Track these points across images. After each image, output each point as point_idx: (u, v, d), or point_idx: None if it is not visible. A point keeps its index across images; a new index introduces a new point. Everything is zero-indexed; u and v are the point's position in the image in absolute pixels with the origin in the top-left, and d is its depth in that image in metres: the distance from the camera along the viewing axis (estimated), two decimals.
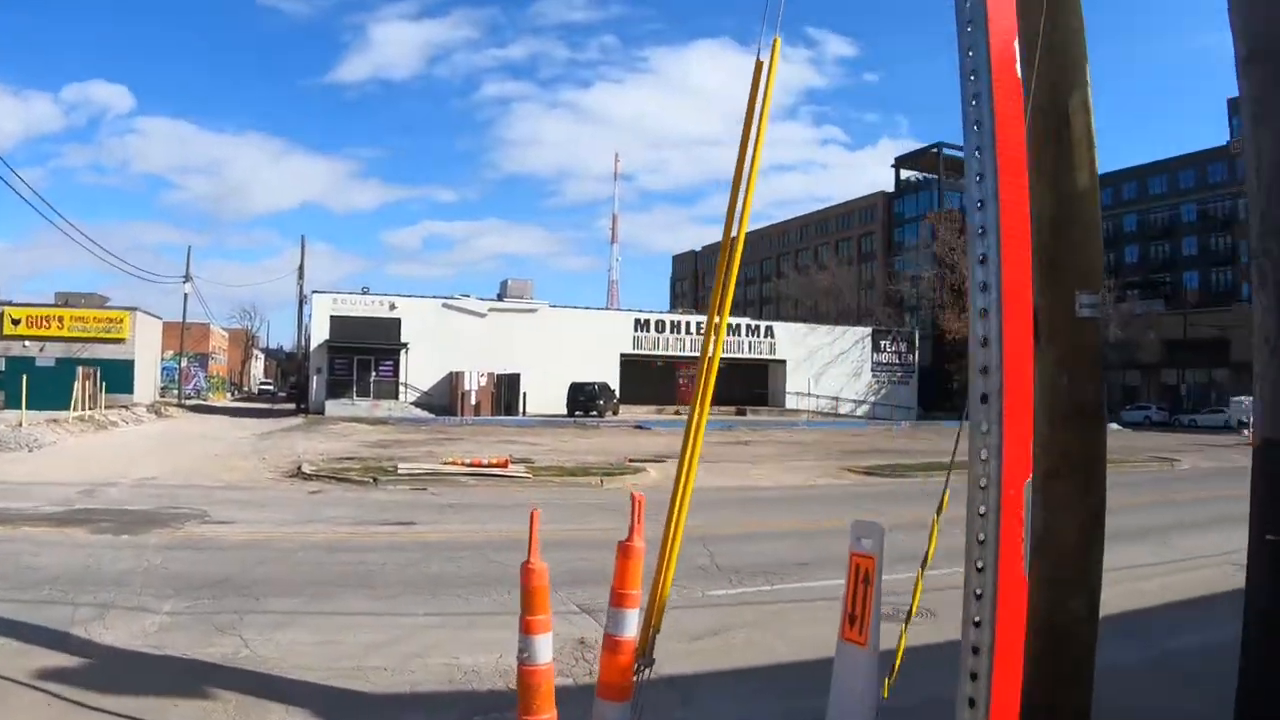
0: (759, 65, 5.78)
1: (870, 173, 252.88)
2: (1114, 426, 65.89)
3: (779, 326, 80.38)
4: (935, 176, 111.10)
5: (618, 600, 5.53)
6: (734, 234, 5.65)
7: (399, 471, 21.24)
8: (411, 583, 10.48)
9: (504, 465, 22.34)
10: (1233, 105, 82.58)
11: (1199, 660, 8.07)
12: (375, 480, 20.23)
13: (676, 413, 66.99)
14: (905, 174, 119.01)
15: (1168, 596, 10.52)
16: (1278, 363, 4.10)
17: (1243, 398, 76.39)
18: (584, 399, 60.81)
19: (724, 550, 12.53)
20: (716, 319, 5.79)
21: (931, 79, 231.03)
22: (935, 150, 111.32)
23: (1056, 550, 5.64)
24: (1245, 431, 60.53)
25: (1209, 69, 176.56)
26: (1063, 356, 5.67)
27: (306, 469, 22.23)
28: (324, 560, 11.57)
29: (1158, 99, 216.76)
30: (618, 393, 67.44)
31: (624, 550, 5.56)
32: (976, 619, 3.87)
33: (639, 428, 47.98)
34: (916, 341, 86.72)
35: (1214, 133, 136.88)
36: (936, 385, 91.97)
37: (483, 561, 11.57)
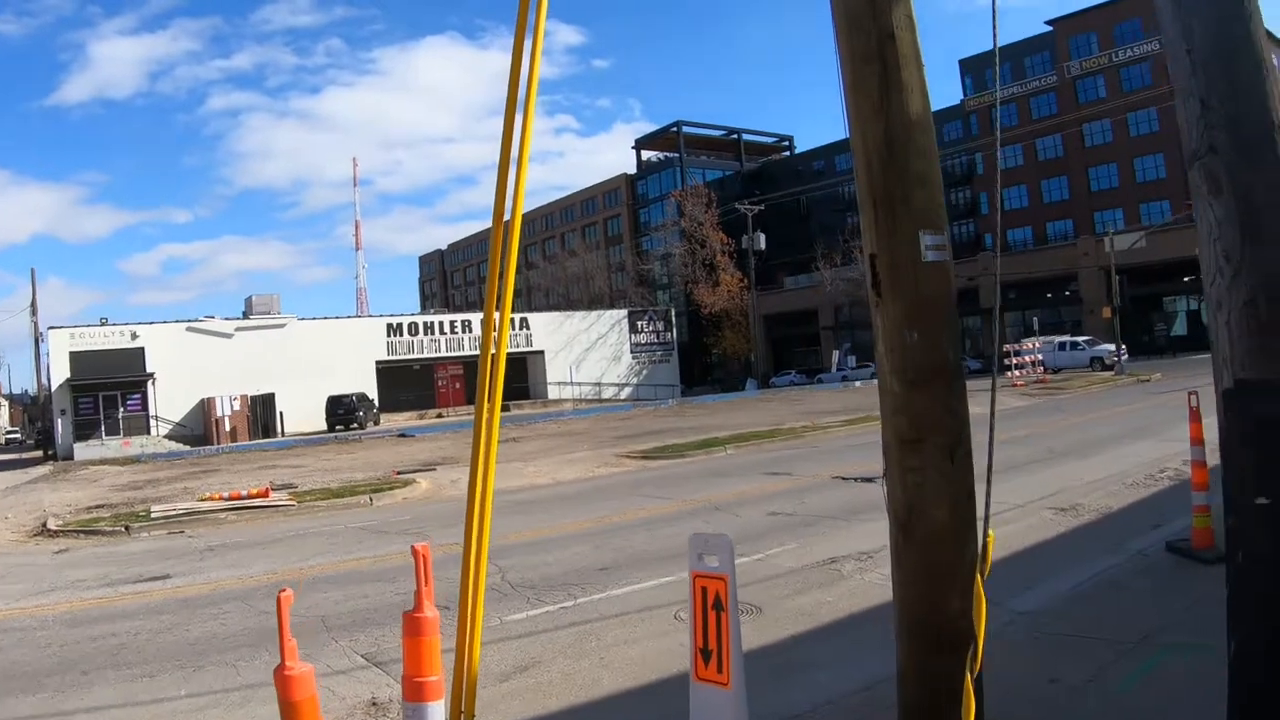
0: (518, 53, 4.88)
1: (605, 157, 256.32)
2: (877, 382, 68.24)
3: (534, 317, 79.94)
4: (676, 155, 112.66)
5: (414, 691, 4.37)
6: (507, 222, 4.77)
7: (153, 515, 19.05)
8: (171, 654, 8.78)
9: (265, 495, 20.57)
10: (965, 66, 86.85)
11: (1057, 620, 7.65)
12: (128, 529, 18.08)
13: (439, 416, 65.90)
14: (647, 155, 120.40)
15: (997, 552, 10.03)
16: (1242, 286, 3.42)
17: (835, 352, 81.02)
18: (343, 412, 59.66)
19: (514, 564, 11.42)
20: (496, 314, 4.87)
21: (662, 60, 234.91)
22: (675, 129, 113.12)
23: (927, 535, 4.90)
24: (857, 384, 63.49)
25: (940, 31, 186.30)
26: (910, 309, 4.89)
27: (52, 524, 19.60)
28: (68, 638, 9.66)
29: None
30: (377, 402, 65.97)
31: (413, 625, 4.38)
32: None
33: (402, 436, 46.41)
34: (673, 319, 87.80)
35: (948, 92, 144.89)
36: (696, 361, 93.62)
37: (251, 615, 9.90)
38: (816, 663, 7.16)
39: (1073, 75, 79.93)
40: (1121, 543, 10.24)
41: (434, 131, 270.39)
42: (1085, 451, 18.02)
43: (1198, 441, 9.55)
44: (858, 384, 64.50)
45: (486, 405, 4.77)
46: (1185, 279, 71.86)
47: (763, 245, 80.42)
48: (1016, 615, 7.81)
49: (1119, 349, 52.54)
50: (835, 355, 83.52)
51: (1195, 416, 9.58)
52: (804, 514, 13.82)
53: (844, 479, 17.16)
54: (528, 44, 4.97)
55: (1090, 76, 79.71)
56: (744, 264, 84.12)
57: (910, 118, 4.99)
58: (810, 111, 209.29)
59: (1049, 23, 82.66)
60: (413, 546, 4.48)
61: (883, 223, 4.95)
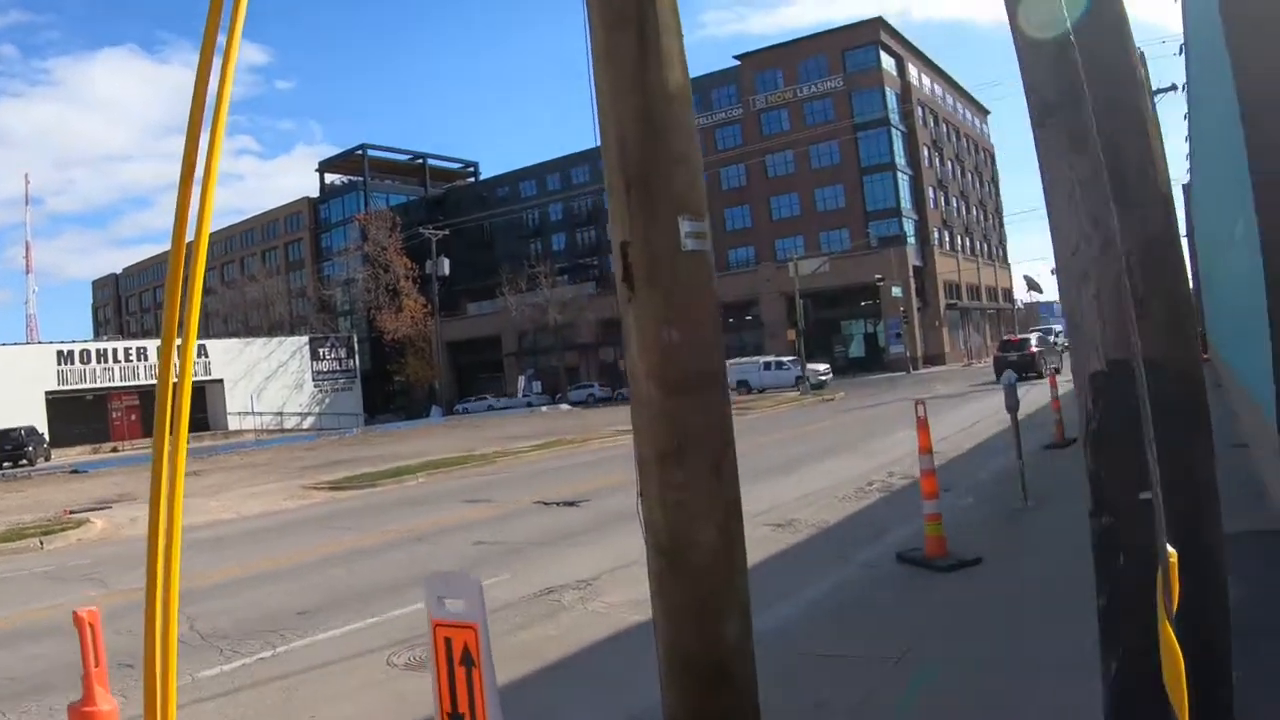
0: (205, 64, 3.98)
1: (287, 180, 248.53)
2: (564, 406, 68.78)
3: (212, 344, 76.06)
4: (360, 178, 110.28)
5: None
6: (190, 243, 3.83)
7: None
8: None
9: None
10: None
11: (807, 639, 7.24)
12: None
13: (114, 450, 61.21)
14: (330, 178, 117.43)
15: None
16: (1115, 254, 2.96)
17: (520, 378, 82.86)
18: (10, 447, 54.63)
19: (204, 610, 10.07)
20: (178, 340, 3.91)
21: (348, 84, 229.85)
22: (360, 152, 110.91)
23: (696, 562, 4.28)
24: (543, 409, 64.64)
25: None
26: (669, 304, 4.27)
27: None
28: None
29: (574, 93, 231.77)
30: (47, 436, 60.91)
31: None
32: None
33: (75, 472, 42.42)
34: (355, 346, 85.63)
35: None
36: (379, 388, 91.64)
37: None
38: (556, 710, 6.43)
39: (758, 108, 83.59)
40: (848, 555, 10.09)
41: (110, 148, 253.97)
42: (789, 468, 18.14)
43: (926, 450, 9.49)
44: (543, 409, 64.76)
45: (169, 438, 3.78)
46: (863, 303, 76.63)
47: (447, 271, 79.38)
48: (762, 635, 7.35)
49: (825, 369, 55.34)
50: (520, 381, 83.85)
51: (923, 426, 9.50)
52: (511, 542, 13.16)
53: (546, 504, 16.61)
54: (217, 58, 4.04)
55: (774, 110, 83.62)
56: (428, 290, 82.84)
57: (671, 90, 4.40)
58: (495, 139, 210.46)
59: (737, 58, 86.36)
60: (75, 614, 3.43)
61: (638, 207, 4.31)
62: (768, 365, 56.32)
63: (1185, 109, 26.29)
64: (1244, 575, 7.72)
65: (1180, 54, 18.76)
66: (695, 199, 4.42)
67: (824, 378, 55.23)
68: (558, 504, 16.33)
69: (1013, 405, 11.63)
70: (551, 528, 14.02)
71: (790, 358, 59.72)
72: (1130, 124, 3.11)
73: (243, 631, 9.20)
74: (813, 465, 18.31)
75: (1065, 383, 18.48)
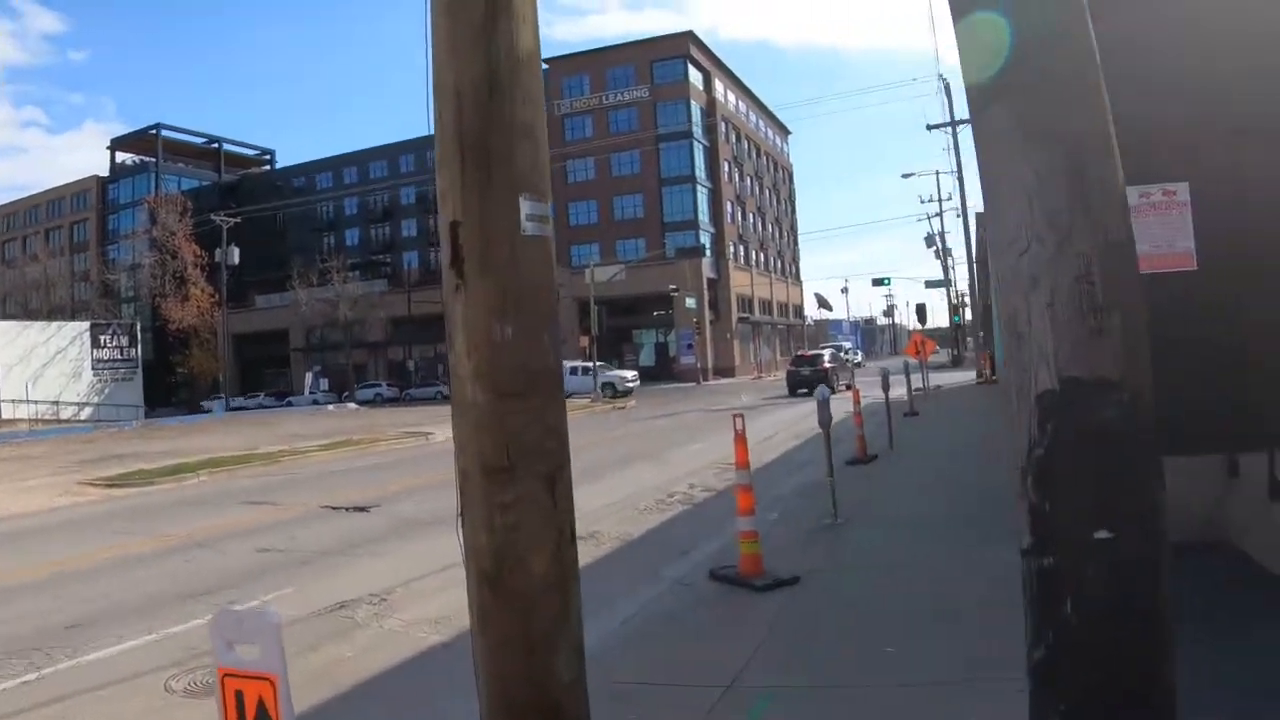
0: None
1: (73, 157, 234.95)
2: (351, 405, 66.77)
3: None
4: (153, 159, 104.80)
5: None
6: None
7: None
8: None
9: None
10: None
11: (625, 666, 6.53)
12: None
13: None
14: (121, 157, 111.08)
15: None
16: (1071, 257, 2.47)
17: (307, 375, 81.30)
18: None
19: None
20: None
21: (147, 60, 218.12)
22: (154, 132, 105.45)
23: (526, 592, 3.64)
24: (329, 408, 63.42)
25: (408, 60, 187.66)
26: (504, 295, 3.62)
27: None
28: None
29: (373, 87, 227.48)
30: None
31: None
32: None
33: None
34: (139, 334, 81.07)
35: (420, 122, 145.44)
36: (162, 380, 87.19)
37: None
38: None
39: (562, 113, 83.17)
40: (658, 571, 9.60)
41: None
42: (589, 477, 17.31)
43: (744, 465, 9.06)
44: (330, 408, 62.86)
45: None
46: (656, 313, 77.21)
47: (237, 260, 75.70)
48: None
49: (632, 376, 55.27)
50: (307, 378, 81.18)
51: (741, 440, 9.07)
52: (298, 550, 12.14)
53: (335, 508, 15.61)
54: None
55: (579, 116, 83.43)
56: (216, 279, 78.95)
57: (520, 53, 3.77)
58: (295, 127, 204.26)
59: (546, 61, 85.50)
60: None
61: (473, 182, 3.65)
62: (574, 370, 55.36)
63: None
64: None
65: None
66: (539, 177, 3.80)
67: (631, 385, 55.03)
68: (347, 509, 15.38)
69: (825, 420, 11.36)
70: (341, 534, 13.09)
71: (600, 363, 59.44)
72: (1088, 110, 2.65)
73: (4, 650, 8.01)
74: (613, 474, 17.79)
75: (867, 398, 18.69)
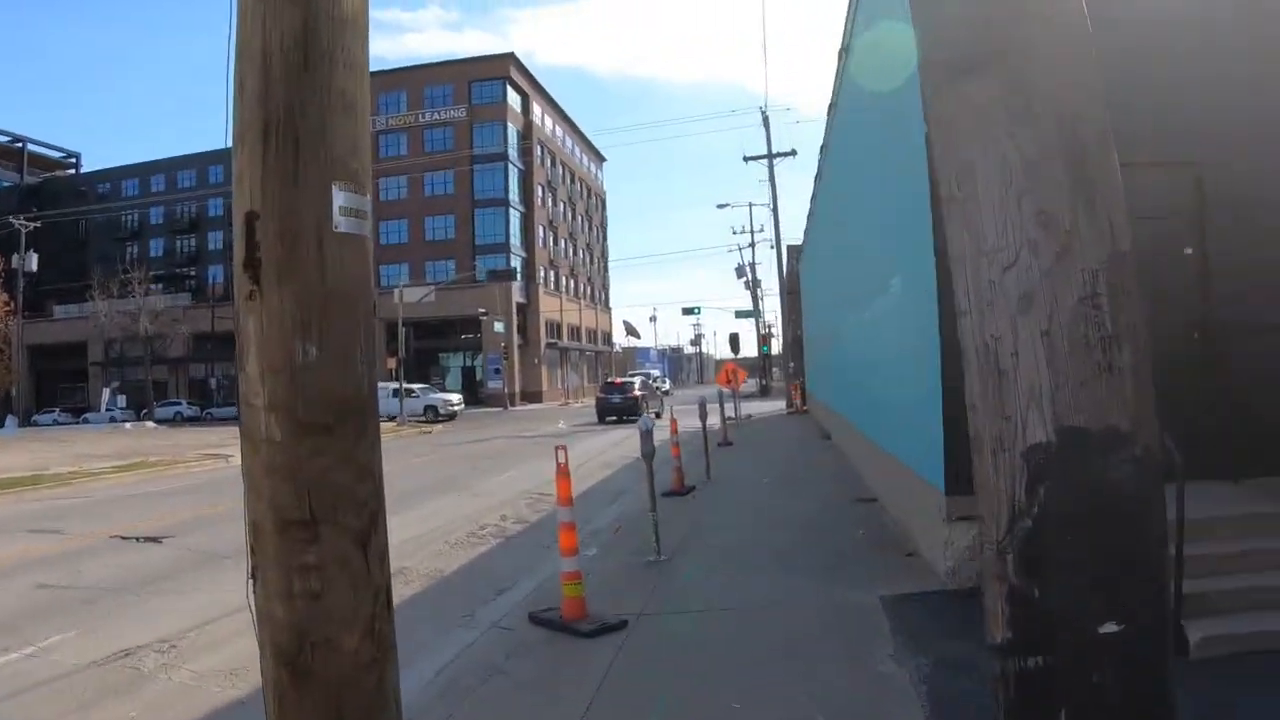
0: None
1: None
2: (150, 424, 63.23)
3: None
4: None
5: None
6: None
7: None
8: None
9: None
10: None
11: None
12: None
13: None
14: None
15: None
16: (1075, 270, 1.85)
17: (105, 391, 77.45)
18: None
19: None
20: None
21: None
22: None
23: (334, 676, 2.87)
24: (127, 426, 60.65)
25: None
26: (309, 306, 2.83)
27: None
28: None
29: (174, 103, 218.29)
30: None
31: None
32: None
33: None
34: None
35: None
36: None
37: None
38: None
39: (378, 129, 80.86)
40: (472, 613, 8.84)
41: None
42: (393, 507, 16.08)
43: (566, 502, 8.35)
44: (127, 425, 59.45)
45: None
46: (464, 336, 75.80)
47: (35, 267, 70.96)
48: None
49: (457, 399, 53.69)
50: (105, 394, 76.52)
51: (564, 475, 8.37)
52: (84, 586, 10.79)
53: (126, 538, 14.16)
54: None
55: (395, 133, 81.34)
56: (12, 286, 73.48)
57: (345, 11, 3.01)
58: (103, 130, 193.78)
59: None
60: None
61: (277, 163, 2.86)
62: (396, 393, 52.84)
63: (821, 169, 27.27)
64: (920, 638, 7.20)
65: (829, 113, 18.90)
66: (359, 165, 3.04)
67: (456, 408, 53.36)
68: (139, 539, 13.97)
69: (648, 452, 10.74)
70: (132, 569, 11.74)
71: (421, 385, 57.44)
72: (1086, 86, 2.06)
73: None
74: (422, 503, 16.68)
75: (683, 428, 18.19)
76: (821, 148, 21.06)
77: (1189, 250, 8.87)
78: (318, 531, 2.80)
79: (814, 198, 27.24)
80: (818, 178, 24.01)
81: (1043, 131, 1.95)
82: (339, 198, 2.90)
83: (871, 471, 14.38)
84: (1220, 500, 7.65)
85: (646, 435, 10.76)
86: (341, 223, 2.91)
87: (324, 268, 2.83)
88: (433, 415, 50.85)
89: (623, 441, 29.34)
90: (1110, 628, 1.87)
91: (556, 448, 8.55)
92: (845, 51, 14.83)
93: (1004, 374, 2.02)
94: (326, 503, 2.80)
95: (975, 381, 2.16)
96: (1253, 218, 8.77)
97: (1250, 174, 8.71)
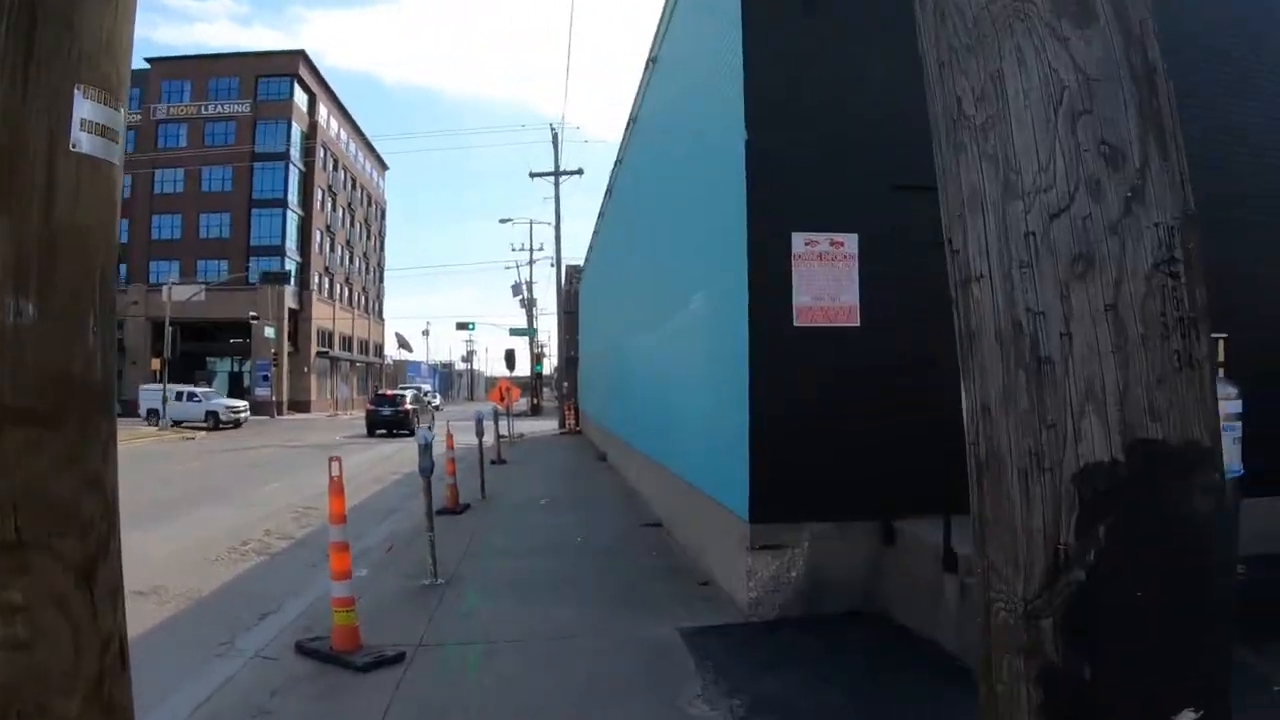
0: None
1: None
2: None
3: None
4: None
5: None
6: None
7: None
8: None
9: None
10: None
11: None
12: None
13: None
14: None
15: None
16: (1151, 225, 1.29)
17: None
18: None
19: None
20: None
21: None
22: None
23: None
24: None
25: None
26: (27, 247, 2.00)
27: None
28: None
29: None
30: None
31: None
32: None
33: None
34: None
35: None
36: None
37: None
38: None
39: (158, 118, 76.24)
40: (233, 640, 7.81)
41: None
42: (148, 520, 14.37)
43: (339, 519, 7.47)
44: None
45: None
46: (233, 340, 72.18)
47: None
48: None
49: (243, 406, 50.36)
50: None
51: (337, 490, 7.51)
52: None
53: None
54: None
55: (176, 123, 76.74)
56: None
57: None
58: None
59: (148, 60, 78.05)
60: None
61: (6, 52, 2.01)
62: (179, 395, 48.59)
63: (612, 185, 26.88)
64: (728, 675, 6.69)
65: (627, 129, 18.44)
66: (113, 69, 2.21)
67: (241, 414, 49.92)
68: None
69: (427, 468, 9.95)
70: None
71: (205, 389, 53.52)
72: None
73: None
74: (181, 515, 15.26)
75: (458, 445, 17.34)
76: (616, 162, 20.60)
77: None
78: (26, 559, 1.97)
79: (601, 215, 26.80)
80: (608, 193, 23.54)
81: (1105, 35, 1.42)
82: (83, 107, 2.08)
83: (658, 495, 13.96)
84: None
85: (425, 449, 9.99)
86: (83, 140, 2.09)
87: (53, 198, 2.01)
88: (214, 422, 47.15)
89: (394, 455, 28.26)
90: (1189, 716, 1.34)
91: (330, 459, 7.68)
92: (653, 62, 14.52)
93: (1046, 364, 1.44)
94: (40, 521, 1.97)
95: (993, 375, 1.57)
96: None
97: None
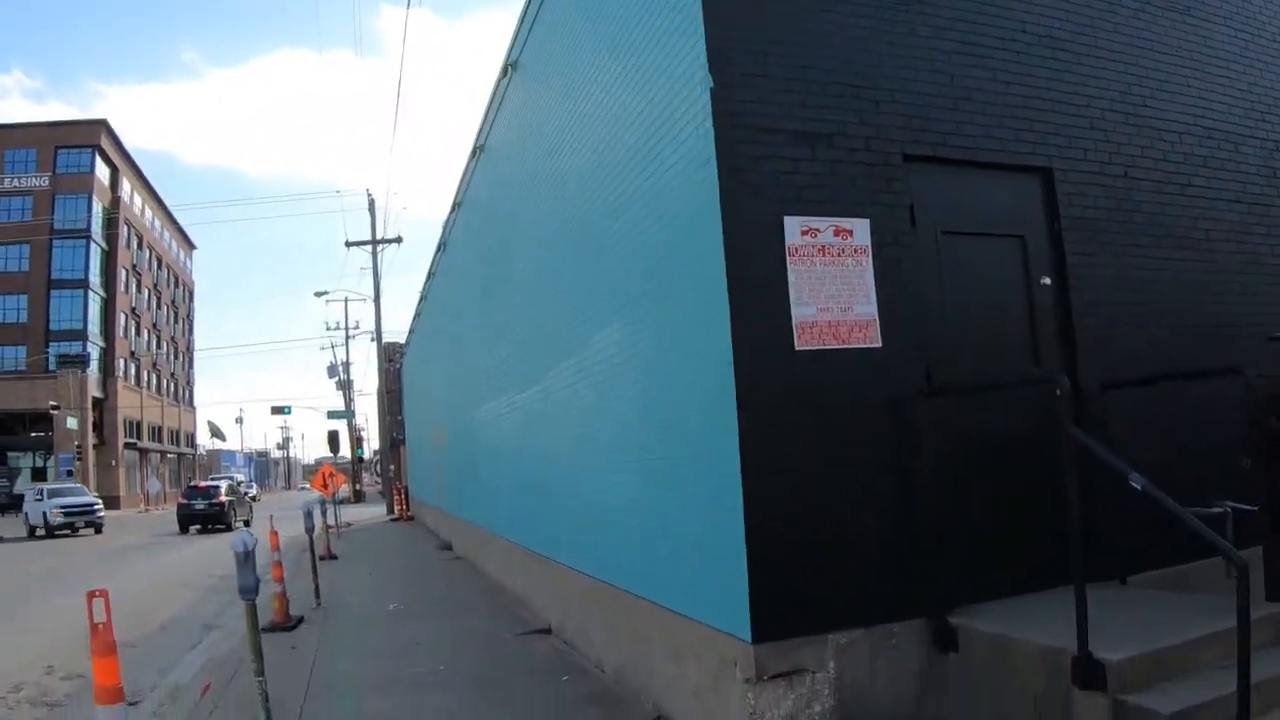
0: None
1: None
2: None
3: None
4: None
5: None
6: None
7: None
8: None
9: None
10: None
11: None
12: None
13: None
14: None
15: None
16: None
17: None
18: None
19: None
20: None
21: None
22: None
23: None
24: None
25: None
26: None
27: None
28: None
29: None
30: None
31: None
32: None
33: None
34: None
35: None
36: None
37: None
38: None
39: None
40: None
41: None
42: None
43: (111, 695, 4.46)
44: None
45: None
46: (34, 433, 65.32)
47: None
48: None
49: (98, 505, 41.20)
50: None
51: (106, 645, 4.51)
52: None
53: None
54: None
55: None
56: None
57: None
58: None
59: None
60: None
61: None
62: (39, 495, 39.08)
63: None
64: None
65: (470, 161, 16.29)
66: None
67: (98, 516, 40.46)
68: None
69: (249, 585, 6.82)
70: None
71: (52, 485, 43.74)
72: None
73: None
74: None
75: (287, 536, 13.91)
76: (454, 206, 17.89)
77: (1045, 280, 6.58)
78: None
79: (431, 276, 23.45)
80: (441, 248, 20.39)
81: None
82: None
83: (541, 594, 11.00)
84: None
85: (245, 560, 6.75)
86: None
87: None
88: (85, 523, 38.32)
89: (209, 554, 24.09)
90: None
91: (90, 595, 4.71)
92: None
93: None
94: None
95: None
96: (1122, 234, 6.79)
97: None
